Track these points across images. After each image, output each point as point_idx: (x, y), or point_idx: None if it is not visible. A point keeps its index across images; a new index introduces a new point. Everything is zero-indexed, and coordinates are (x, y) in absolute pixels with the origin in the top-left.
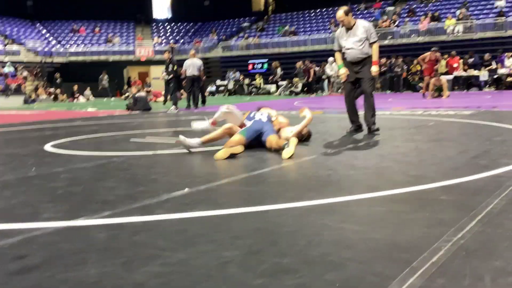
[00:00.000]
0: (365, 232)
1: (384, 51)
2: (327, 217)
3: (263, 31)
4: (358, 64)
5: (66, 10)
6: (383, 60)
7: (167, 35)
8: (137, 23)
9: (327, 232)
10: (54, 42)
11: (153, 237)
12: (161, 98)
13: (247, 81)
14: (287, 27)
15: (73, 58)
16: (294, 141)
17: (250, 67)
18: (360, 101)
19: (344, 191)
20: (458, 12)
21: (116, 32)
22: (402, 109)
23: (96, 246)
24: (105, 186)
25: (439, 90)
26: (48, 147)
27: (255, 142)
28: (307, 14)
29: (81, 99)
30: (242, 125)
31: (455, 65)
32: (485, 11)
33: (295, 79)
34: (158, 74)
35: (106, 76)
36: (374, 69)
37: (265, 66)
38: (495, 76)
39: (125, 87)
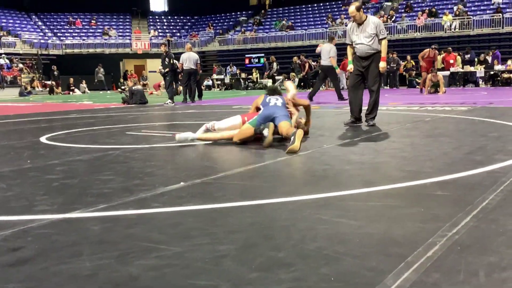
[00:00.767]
0: (360, 227)
1: None
2: (323, 212)
3: (260, 25)
4: (367, 59)
5: (62, 2)
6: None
7: (164, 28)
8: (134, 16)
9: (322, 226)
10: (50, 34)
11: (148, 230)
12: (158, 92)
13: (243, 75)
14: (284, 22)
15: (69, 51)
16: (300, 135)
17: (247, 61)
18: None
19: (339, 185)
20: (455, 8)
21: (113, 24)
22: (398, 105)
23: (91, 238)
24: (101, 179)
25: (435, 86)
26: (43, 139)
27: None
28: (304, 9)
29: (77, 92)
30: (257, 110)
31: (451, 61)
32: (482, 8)
33: (292, 74)
34: (154, 67)
35: (102, 69)
36: (382, 64)
37: (262, 60)
38: (492, 73)
39: (121, 80)
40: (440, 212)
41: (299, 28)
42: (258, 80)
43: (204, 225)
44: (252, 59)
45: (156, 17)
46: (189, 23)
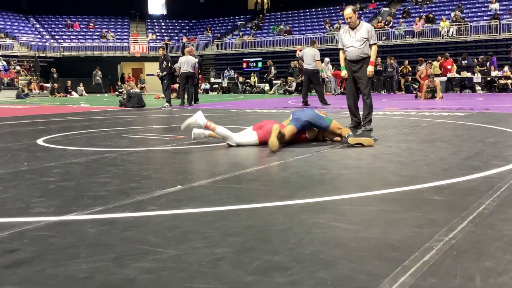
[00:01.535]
0: (356, 231)
1: (378, 52)
2: (319, 216)
3: (258, 30)
4: (357, 63)
5: (61, 5)
6: (378, 60)
7: (162, 31)
8: (132, 19)
9: (319, 230)
10: (48, 36)
11: (144, 233)
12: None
13: (241, 79)
14: (282, 26)
15: (66, 53)
16: (276, 128)
17: (244, 65)
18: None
19: (336, 190)
20: (452, 14)
21: (111, 27)
22: (395, 110)
23: (87, 241)
24: (97, 181)
25: (432, 92)
26: (40, 141)
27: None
28: (302, 14)
29: (74, 94)
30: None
31: (448, 66)
32: (479, 14)
33: (290, 78)
34: (152, 70)
35: (99, 72)
36: (370, 68)
37: (260, 64)
38: (488, 78)
39: (119, 83)
40: (436, 217)
41: (297, 32)
42: (256, 84)
43: (200, 228)
44: (249, 63)
45: (154, 20)
46: (187, 27)
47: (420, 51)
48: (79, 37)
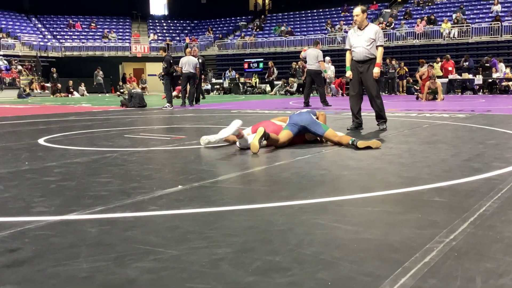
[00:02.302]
0: (357, 232)
1: None
2: (320, 217)
3: (260, 30)
4: (364, 64)
5: (62, 5)
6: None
7: (164, 32)
8: (134, 20)
9: (320, 231)
10: (49, 36)
11: (145, 233)
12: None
13: (242, 79)
14: (283, 27)
15: (68, 53)
16: (260, 132)
17: (245, 66)
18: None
19: (337, 191)
20: (454, 15)
21: (112, 28)
22: (396, 111)
23: (88, 241)
24: (98, 181)
25: (433, 93)
26: (41, 141)
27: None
28: (304, 15)
29: (76, 94)
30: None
31: (450, 68)
32: (481, 16)
33: (291, 79)
34: (153, 71)
35: (101, 72)
36: (376, 70)
37: (261, 65)
38: (490, 80)
39: (120, 83)
40: (437, 218)
41: (298, 33)
42: (257, 84)
43: (201, 228)
44: (251, 64)
45: (156, 21)
46: (189, 27)
47: (421, 53)
48: (81, 37)
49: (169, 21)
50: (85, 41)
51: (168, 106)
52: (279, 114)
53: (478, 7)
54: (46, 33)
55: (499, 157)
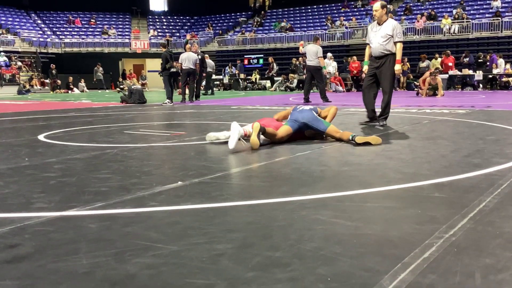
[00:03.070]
0: (357, 228)
1: None
2: (320, 212)
3: (260, 26)
4: (380, 60)
5: (62, 1)
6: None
7: (163, 28)
8: (133, 16)
9: (319, 227)
10: (49, 32)
11: (145, 228)
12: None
13: (242, 76)
14: (283, 23)
15: (68, 49)
16: (256, 127)
17: (246, 62)
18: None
19: (337, 186)
20: (454, 11)
21: (112, 24)
22: (396, 107)
23: (88, 236)
24: (98, 177)
25: (434, 89)
26: (41, 137)
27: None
28: (304, 10)
29: (76, 90)
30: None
31: (450, 64)
32: (481, 11)
33: (291, 75)
34: (153, 67)
35: (100, 68)
36: (397, 67)
37: (261, 61)
38: (490, 76)
39: (120, 79)
40: (437, 214)
41: (299, 29)
42: (257, 81)
43: (201, 224)
44: (251, 60)
45: (156, 16)
46: (189, 23)
47: (421, 49)
48: (81, 33)
49: (168, 17)
50: (85, 37)
51: (168, 102)
52: (279, 110)
53: (478, 2)
54: (46, 29)
55: (499, 152)
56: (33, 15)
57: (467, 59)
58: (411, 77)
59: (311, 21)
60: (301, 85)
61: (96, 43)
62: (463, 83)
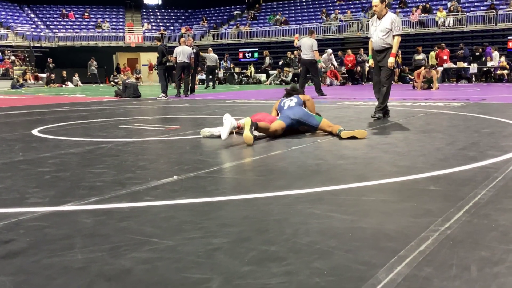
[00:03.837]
0: (353, 221)
1: None
2: (315, 206)
3: (254, 20)
4: (381, 53)
5: None
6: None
7: (158, 21)
8: (127, 9)
9: (315, 220)
10: (42, 26)
11: (140, 223)
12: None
13: (237, 69)
14: (278, 16)
15: (61, 43)
16: (247, 122)
17: (240, 55)
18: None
19: (332, 180)
20: (449, 4)
21: (106, 17)
22: (391, 100)
23: (83, 231)
24: (93, 172)
25: (429, 82)
26: (35, 132)
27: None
28: (299, 3)
29: (70, 84)
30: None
31: (445, 57)
32: (476, 4)
33: (286, 69)
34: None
35: (94, 62)
36: (391, 60)
37: (256, 55)
38: (484, 69)
39: (114, 73)
40: (432, 207)
41: (293, 23)
42: (253, 74)
43: (196, 218)
44: (246, 54)
45: (150, 10)
46: (183, 17)
47: (416, 41)
48: (74, 27)
49: (163, 11)
50: (79, 31)
51: (163, 96)
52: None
53: None
54: (39, 23)
55: (494, 145)
56: (26, 9)
57: (462, 52)
58: (407, 70)
59: (306, 14)
60: (296, 78)
61: (90, 37)
62: (457, 76)
